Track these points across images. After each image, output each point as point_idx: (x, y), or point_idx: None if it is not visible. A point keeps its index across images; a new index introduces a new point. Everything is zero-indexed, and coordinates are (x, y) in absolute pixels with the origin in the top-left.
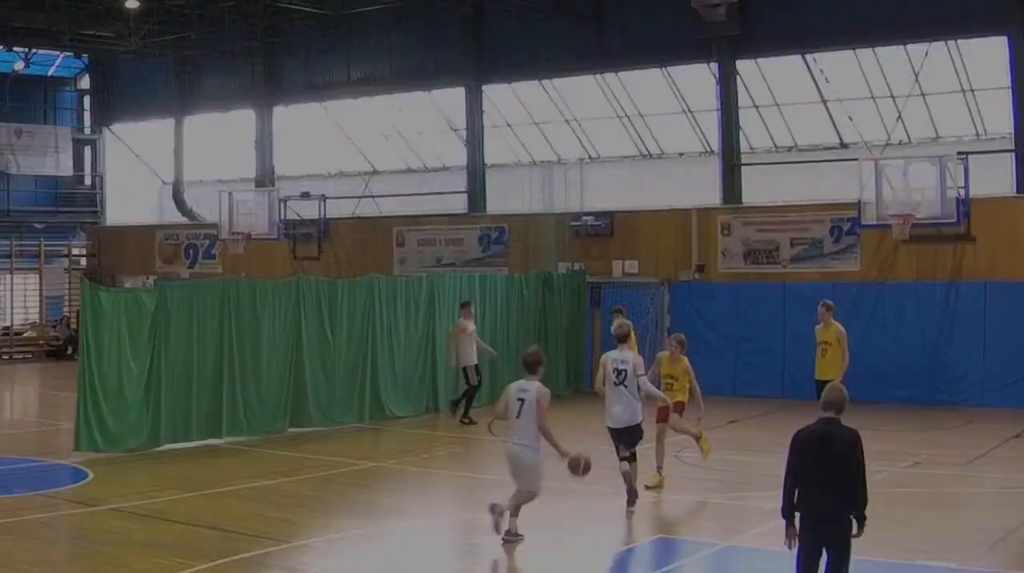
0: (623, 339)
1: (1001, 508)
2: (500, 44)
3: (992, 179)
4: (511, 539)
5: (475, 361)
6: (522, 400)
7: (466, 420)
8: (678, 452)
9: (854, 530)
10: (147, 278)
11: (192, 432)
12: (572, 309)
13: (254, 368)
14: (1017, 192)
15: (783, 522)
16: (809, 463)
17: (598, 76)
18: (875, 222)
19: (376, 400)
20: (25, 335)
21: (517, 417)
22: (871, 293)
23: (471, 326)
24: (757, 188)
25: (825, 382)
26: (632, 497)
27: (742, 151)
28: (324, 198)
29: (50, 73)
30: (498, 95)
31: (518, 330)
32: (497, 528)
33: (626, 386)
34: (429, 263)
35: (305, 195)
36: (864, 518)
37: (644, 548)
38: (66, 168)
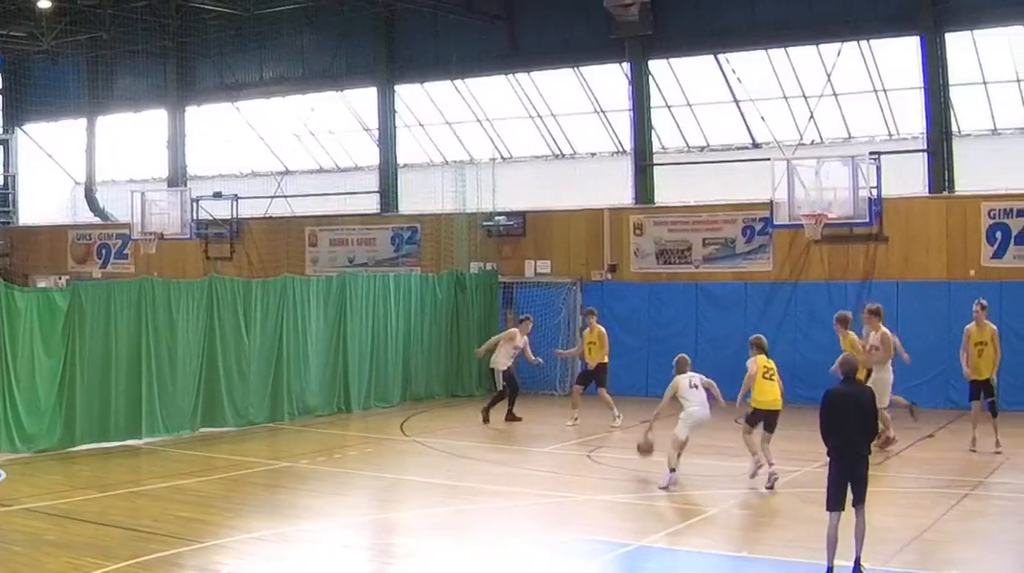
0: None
1: (912, 508)
2: (412, 44)
3: (904, 179)
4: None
5: (504, 367)
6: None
7: (503, 418)
8: (590, 452)
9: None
10: (59, 278)
11: (107, 432)
12: (484, 309)
13: (169, 368)
14: (929, 192)
15: (828, 459)
16: (840, 414)
17: (510, 76)
18: (787, 222)
19: (289, 400)
20: None
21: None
22: (783, 293)
23: (521, 340)
24: (669, 188)
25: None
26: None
27: (654, 151)
28: (236, 198)
29: None
30: (410, 95)
31: (431, 330)
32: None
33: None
34: (341, 263)
35: (217, 195)
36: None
37: (557, 548)
38: None
